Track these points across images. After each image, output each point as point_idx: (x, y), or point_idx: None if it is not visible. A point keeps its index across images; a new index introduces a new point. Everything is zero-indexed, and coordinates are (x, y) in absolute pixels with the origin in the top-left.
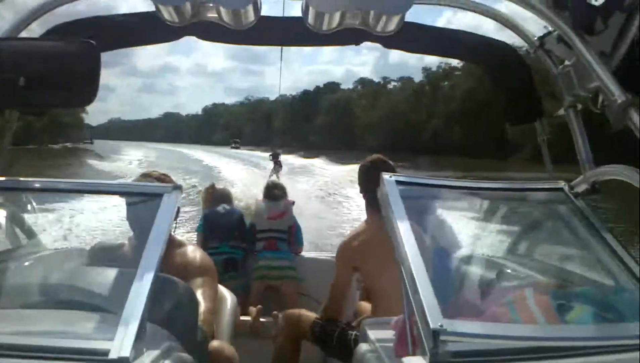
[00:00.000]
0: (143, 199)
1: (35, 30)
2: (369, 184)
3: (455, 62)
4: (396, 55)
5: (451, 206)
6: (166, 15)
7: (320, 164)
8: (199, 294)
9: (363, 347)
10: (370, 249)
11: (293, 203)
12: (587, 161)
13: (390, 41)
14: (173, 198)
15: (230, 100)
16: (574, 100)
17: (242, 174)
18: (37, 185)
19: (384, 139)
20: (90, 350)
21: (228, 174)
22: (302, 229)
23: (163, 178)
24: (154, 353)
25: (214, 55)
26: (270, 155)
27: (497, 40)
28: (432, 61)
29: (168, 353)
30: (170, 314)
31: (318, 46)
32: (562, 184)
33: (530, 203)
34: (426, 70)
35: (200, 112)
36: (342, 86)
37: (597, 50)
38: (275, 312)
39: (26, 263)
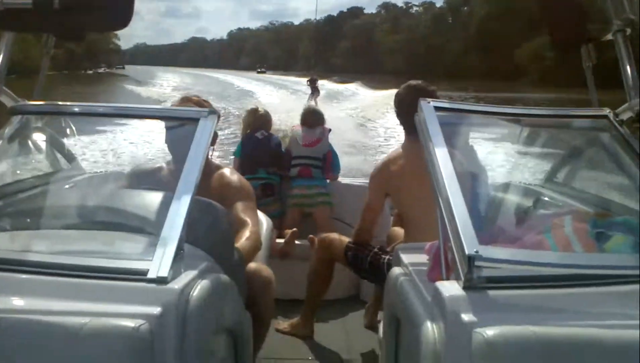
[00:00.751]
0: (180, 124)
1: None
2: (407, 109)
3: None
4: None
5: (491, 133)
6: None
7: (355, 89)
8: (241, 216)
9: (396, 270)
10: (404, 175)
11: (330, 130)
12: (633, 89)
13: None
14: (209, 123)
15: (254, 24)
16: (624, 24)
17: (277, 99)
18: (76, 109)
19: (405, 63)
20: (130, 270)
21: (265, 99)
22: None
23: (202, 103)
24: (192, 273)
25: None
26: (307, 81)
27: None
28: None
29: (205, 273)
30: (207, 236)
31: None
32: (606, 111)
33: (572, 130)
34: None
35: (225, 37)
36: (366, 11)
37: None
38: (311, 236)
39: (66, 186)
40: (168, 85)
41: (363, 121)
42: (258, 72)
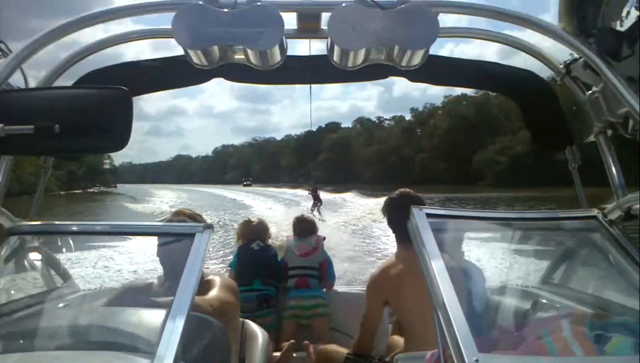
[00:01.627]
0: (175, 239)
1: (66, 80)
2: (398, 216)
3: (438, 102)
4: (399, 89)
5: (482, 237)
6: (195, 59)
7: (350, 199)
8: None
9: None
10: (402, 282)
11: (324, 238)
12: (620, 187)
13: (415, 75)
14: (205, 237)
15: (238, 141)
16: (604, 126)
17: (274, 212)
18: (72, 228)
19: (378, 172)
20: None
21: (261, 210)
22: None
23: (195, 216)
24: None
25: (220, 96)
26: (309, 191)
27: (522, 69)
28: (437, 92)
29: None
30: (203, 353)
31: (344, 83)
32: (595, 211)
33: (563, 232)
34: (413, 110)
35: (210, 153)
36: (343, 125)
37: (624, 75)
38: (306, 342)
39: (60, 305)
40: (162, 201)
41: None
42: (244, 186)
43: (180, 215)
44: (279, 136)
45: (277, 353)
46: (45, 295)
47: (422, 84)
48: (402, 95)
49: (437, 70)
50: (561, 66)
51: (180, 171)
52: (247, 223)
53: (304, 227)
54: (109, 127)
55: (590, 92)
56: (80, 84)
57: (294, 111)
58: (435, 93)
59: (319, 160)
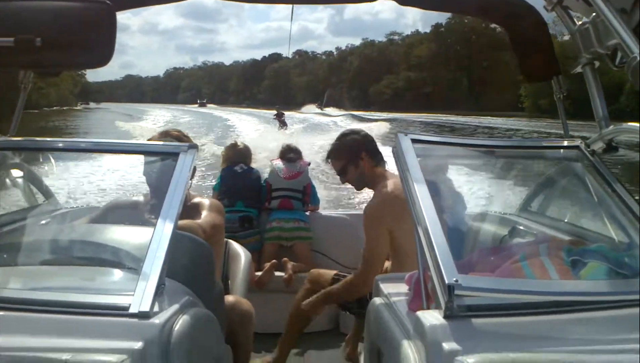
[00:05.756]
0: (160, 158)
1: None
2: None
3: (357, 42)
4: (350, 12)
5: (466, 164)
6: None
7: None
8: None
9: (377, 301)
10: (404, 208)
11: (309, 163)
12: (603, 119)
13: None
14: (189, 157)
15: (184, 60)
16: (592, 57)
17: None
18: (55, 145)
19: (308, 97)
20: (111, 305)
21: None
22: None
23: (182, 137)
24: (173, 307)
25: (165, 13)
26: (274, 115)
27: None
28: (388, 18)
29: (187, 307)
30: (188, 270)
31: (330, 4)
32: (578, 141)
33: (545, 161)
34: (338, 49)
35: (161, 75)
36: (284, 55)
37: (617, 7)
38: (285, 259)
39: (44, 221)
40: (155, 120)
41: None
42: (199, 105)
43: (166, 135)
44: (227, 61)
45: (259, 273)
46: (28, 211)
47: (373, 8)
48: (352, 17)
49: None
50: None
51: (131, 91)
52: (233, 146)
53: (292, 154)
54: (92, 42)
55: (580, 22)
56: None
57: (240, 30)
58: (383, 20)
59: (263, 85)
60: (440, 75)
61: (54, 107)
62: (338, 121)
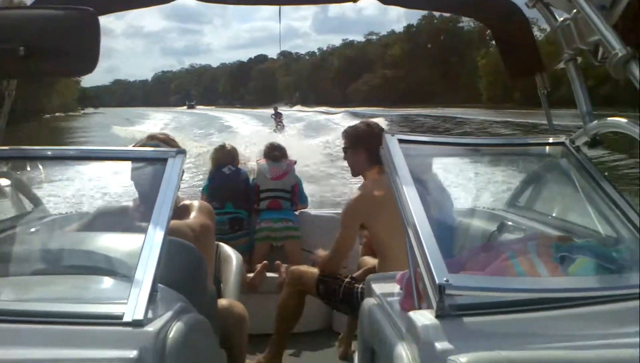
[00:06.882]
0: (147, 164)
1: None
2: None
3: (337, 43)
4: (335, 11)
5: (453, 163)
6: None
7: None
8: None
9: (369, 301)
10: (379, 205)
11: (295, 162)
12: (587, 114)
13: None
14: (178, 162)
15: (170, 63)
16: (574, 53)
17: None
18: (43, 153)
19: (295, 96)
20: (104, 314)
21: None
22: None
23: (169, 141)
24: (167, 315)
25: (149, 15)
26: (272, 114)
27: None
28: (371, 14)
29: (180, 314)
30: (180, 276)
31: (315, 4)
32: (563, 138)
33: (531, 157)
34: (320, 50)
35: (149, 79)
36: (269, 56)
37: (597, 3)
38: (278, 262)
39: (32, 229)
40: (156, 123)
41: None
42: (188, 108)
43: (153, 139)
44: (213, 62)
45: (251, 275)
46: (15, 220)
47: (356, 5)
48: (337, 15)
49: None
50: None
51: (121, 95)
52: (222, 148)
53: (276, 152)
54: (77, 49)
55: (562, 19)
56: (43, 3)
57: (225, 30)
58: (366, 17)
59: (249, 86)
60: (413, 72)
61: (56, 113)
62: (335, 118)
